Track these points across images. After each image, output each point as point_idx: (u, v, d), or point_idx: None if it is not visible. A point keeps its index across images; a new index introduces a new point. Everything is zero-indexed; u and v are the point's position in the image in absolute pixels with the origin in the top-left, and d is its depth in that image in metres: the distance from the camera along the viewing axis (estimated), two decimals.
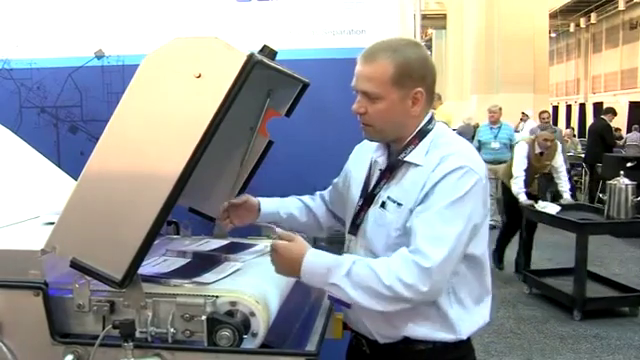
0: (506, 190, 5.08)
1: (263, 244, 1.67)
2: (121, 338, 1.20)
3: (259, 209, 1.59)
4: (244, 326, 1.23)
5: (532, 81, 14.41)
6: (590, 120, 14.40)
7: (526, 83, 14.07)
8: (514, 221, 5.08)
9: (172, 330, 1.23)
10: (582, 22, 21.51)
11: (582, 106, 19.09)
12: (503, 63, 14.38)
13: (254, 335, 1.24)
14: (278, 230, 1.35)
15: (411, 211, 1.28)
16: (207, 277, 1.35)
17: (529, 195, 4.85)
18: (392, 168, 1.35)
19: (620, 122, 12.36)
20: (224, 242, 1.69)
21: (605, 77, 20.30)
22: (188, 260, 1.51)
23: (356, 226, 1.40)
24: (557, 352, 3.63)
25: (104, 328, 1.25)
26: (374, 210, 1.36)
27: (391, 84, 1.28)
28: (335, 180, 1.62)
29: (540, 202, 4.72)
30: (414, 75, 1.29)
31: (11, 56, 2.36)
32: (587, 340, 3.79)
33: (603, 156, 7.78)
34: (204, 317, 1.21)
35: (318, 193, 1.67)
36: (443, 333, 1.32)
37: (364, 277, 1.22)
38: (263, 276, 1.42)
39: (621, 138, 11.02)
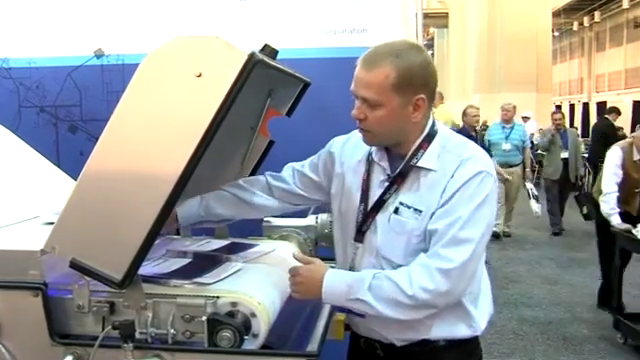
0: (597, 207, 3.96)
1: (264, 244, 1.66)
2: (121, 339, 1.19)
3: (176, 218, 1.51)
4: (245, 327, 1.22)
5: (535, 80, 14.33)
6: (594, 120, 14.31)
7: (529, 82, 14.00)
8: (608, 249, 3.92)
9: (172, 331, 1.23)
10: (585, 21, 21.29)
11: (585, 105, 18.99)
12: (505, 62, 14.31)
13: (255, 336, 1.23)
14: (295, 253, 1.36)
15: (432, 216, 1.27)
16: (208, 278, 1.34)
17: (626, 216, 3.73)
18: (404, 174, 1.32)
19: (624, 121, 12.28)
20: (225, 242, 1.68)
21: (609, 76, 20.18)
22: (188, 260, 1.50)
23: (362, 233, 1.37)
24: (560, 353, 3.61)
25: (104, 329, 1.24)
26: (385, 216, 1.33)
27: (392, 91, 1.25)
28: (308, 164, 1.53)
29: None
30: (416, 82, 1.26)
31: (10, 55, 2.36)
32: (590, 342, 3.77)
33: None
34: (204, 318, 1.21)
35: (268, 174, 1.58)
36: (463, 330, 1.34)
37: (386, 289, 1.24)
38: (264, 277, 1.42)
39: (625, 137, 10.96)
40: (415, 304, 1.23)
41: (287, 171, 1.58)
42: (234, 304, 1.24)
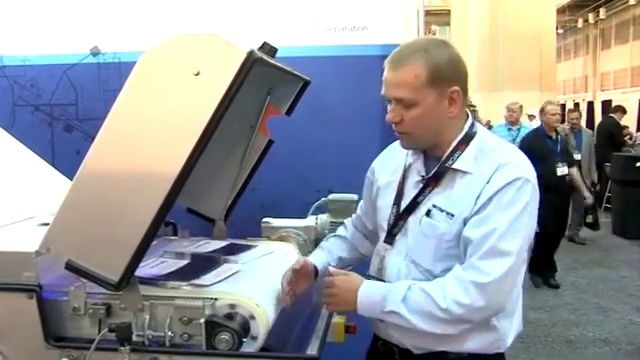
0: None
1: (263, 245, 1.65)
2: (117, 342, 1.17)
3: (316, 272, 1.43)
4: (243, 329, 1.21)
5: (538, 79, 14.15)
6: (598, 118, 14.17)
7: (532, 81, 13.83)
8: None
9: (170, 333, 1.21)
10: (590, 17, 21.10)
11: (590, 104, 18.84)
12: (508, 60, 14.14)
13: (254, 338, 1.22)
14: (330, 268, 1.33)
15: (465, 221, 1.23)
16: (206, 279, 1.33)
17: None
18: (439, 175, 1.28)
19: (629, 120, 12.22)
20: (223, 243, 1.67)
21: (614, 74, 20.06)
22: (186, 262, 1.49)
23: (392, 235, 1.33)
24: (564, 356, 3.57)
25: (100, 331, 1.22)
26: (416, 218, 1.29)
27: (426, 87, 1.21)
28: (363, 197, 1.52)
29: None
30: (448, 74, 1.23)
31: (3, 53, 2.33)
32: (596, 344, 3.73)
33: (612, 155, 7.62)
34: (203, 320, 1.19)
35: (348, 221, 1.58)
36: (487, 346, 1.29)
37: (420, 302, 1.21)
38: (263, 278, 1.41)
39: (631, 137, 10.94)
40: (449, 318, 1.19)
41: (349, 224, 1.57)
42: (233, 306, 1.22)
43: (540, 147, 4.41)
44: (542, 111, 4.79)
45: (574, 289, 4.85)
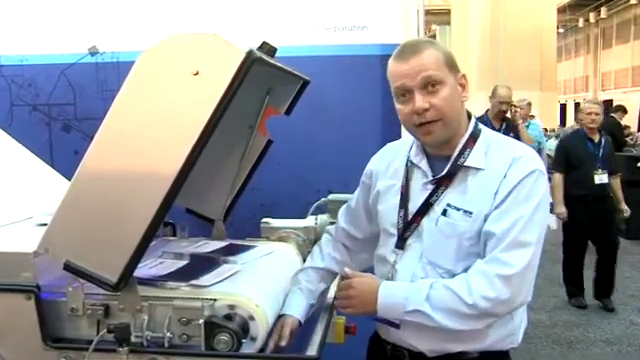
0: None
1: (262, 246, 1.64)
2: (116, 343, 1.17)
3: (300, 323, 1.40)
4: (243, 330, 1.20)
5: (539, 78, 14.15)
6: None
7: (533, 80, 13.82)
8: None
9: (169, 334, 1.20)
10: (591, 17, 21.12)
11: None
12: (509, 60, 14.13)
13: (253, 339, 1.21)
14: (347, 269, 1.31)
15: (486, 218, 1.22)
16: (205, 280, 1.32)
17: None
18: (452, 174, 1.27)
19: (630, 120, 12.21)
20: (222, 244, 1.66)
21: (615, 74, 20.07)
22: (185, 262, 1.48)
23: (404, 239, 1.31)
24: (565, 357, 3.56)
25: (98, 332, 1.22)
26: (431, 220, 1.27)
27: (447, 67, 1.25)
28: (354, 203, 1.47)
29: None
30: (455, 62, 1.29)
31: (1, 52, 2.32)
32: (597, 345, 3.71)
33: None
34: (202, 321, 1.18)
35: (321, 245, 1.51)
36: (502, 342, 1.29)
37: (445, 300, 1.20)
38: (262, 279, 1.40)
39: (632, 137, 10.92)
40: (476, 313, 1.18)
41: (328, 237, 1.52)
42: (232, 307, 1.22)
43: (578, 150, 4.15)
44: (579, 111, 4.49)
45: None
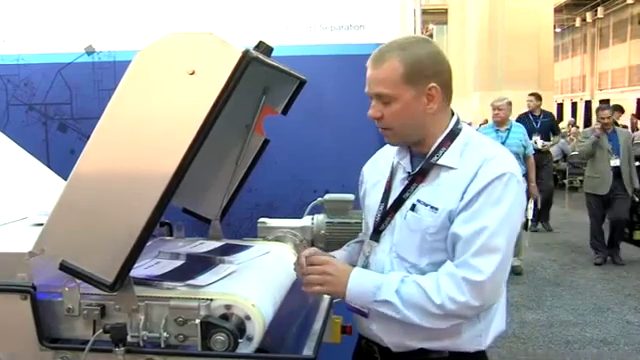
0: None
1: (259, 246, 1.64)
2: (112, 343, 1.17)
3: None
4: (239, 330, 1.20)
5: (536, 78, 14.09)
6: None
7: (530, 80, 13.77)
8: None
9: (165, 334, 1.20)
10: (588, 16, 21.10)
11: (588, 103, 18.83)
12: (506, 59, 14.13)
13: (250, 339, 1.21)
14: (313, 248, 1.33)
15: (449, 214, 1.24)
16: (201, 279, 1.32)
17: None
18: (425, 171, 1.29)
19: (627, 120, 12.22)
20: (219, 244, 1.66)
21: (612, 73, 20.08)
22: (182, 262, 1.48)
23: (379, 232, 1.34)
24: (562, 357, 3.56)
25: (94, 333, 1.22)
26: (402, 214, 1.30)
27: (403, 83, 1.24)
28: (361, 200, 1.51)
29: None
30: (426, 71, 1.25)
31: None
32: (593, 345, 3.72)
33: None
34: (198, 321, 1.18)
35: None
36: (466, 344, 1.30)
37: (414, 296, 1.22)
38: (259, 278, 1.40)
39: None
40: (442, 313, 1.20)
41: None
42: (228, 307, 1.22)
43: None
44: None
45: (572, 289, 4.85)
